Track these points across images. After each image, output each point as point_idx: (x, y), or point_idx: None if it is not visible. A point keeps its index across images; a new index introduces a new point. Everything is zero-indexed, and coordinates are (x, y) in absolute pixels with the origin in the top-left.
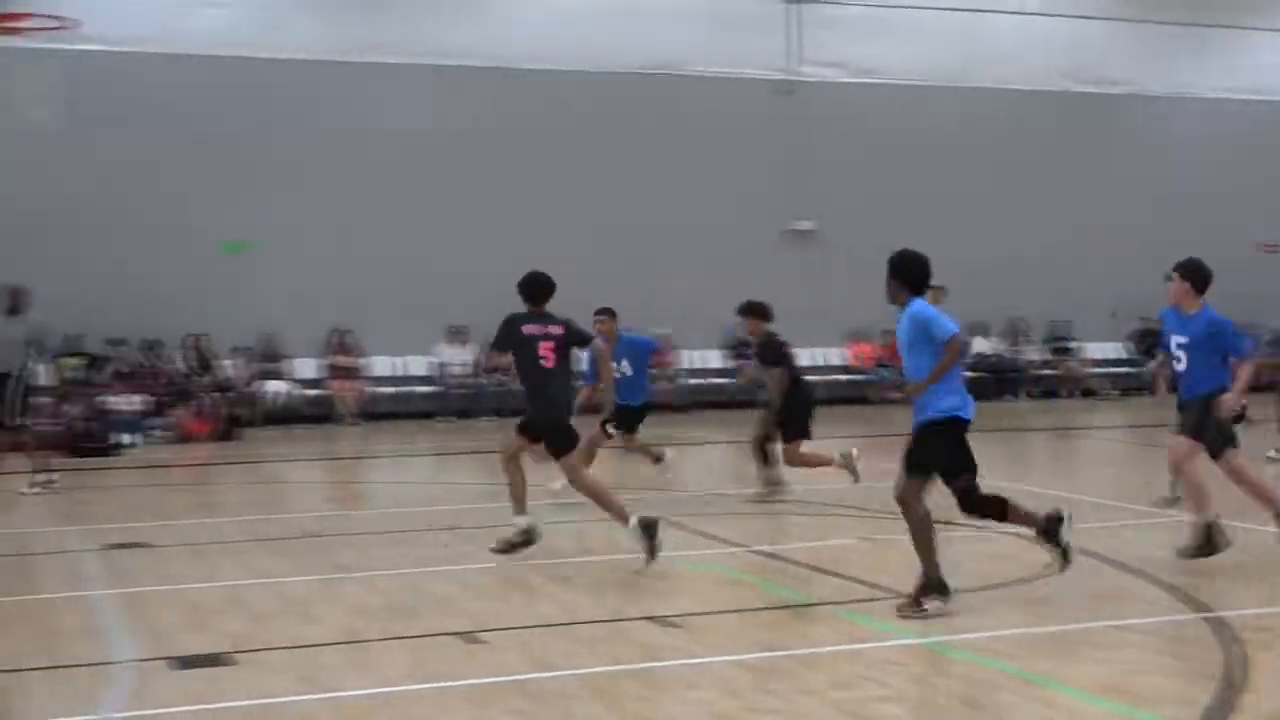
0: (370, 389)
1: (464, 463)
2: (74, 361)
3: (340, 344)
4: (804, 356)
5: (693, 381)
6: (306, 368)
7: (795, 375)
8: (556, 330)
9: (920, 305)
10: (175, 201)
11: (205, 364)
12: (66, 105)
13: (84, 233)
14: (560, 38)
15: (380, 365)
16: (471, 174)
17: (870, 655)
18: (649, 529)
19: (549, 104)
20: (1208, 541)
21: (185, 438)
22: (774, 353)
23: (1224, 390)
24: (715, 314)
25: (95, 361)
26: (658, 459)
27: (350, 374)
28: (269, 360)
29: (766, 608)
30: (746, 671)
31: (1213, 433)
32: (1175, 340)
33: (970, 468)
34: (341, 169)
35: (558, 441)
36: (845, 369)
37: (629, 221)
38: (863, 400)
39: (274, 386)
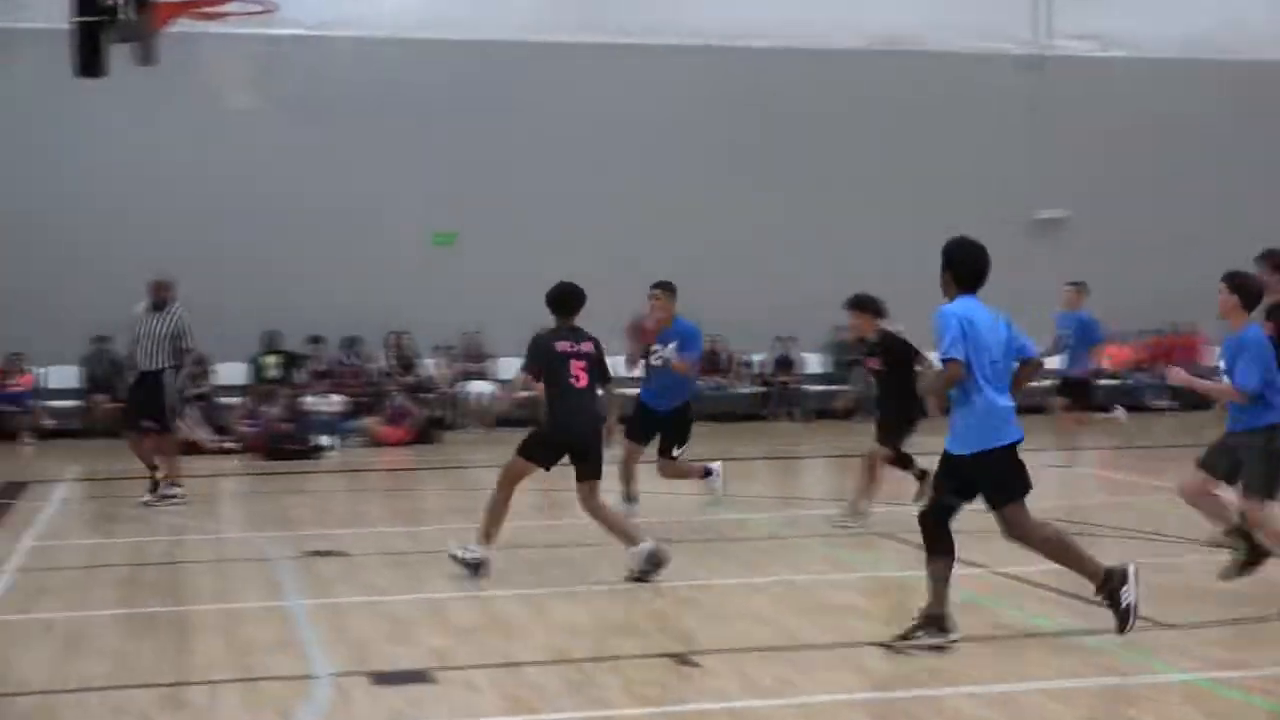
0: None
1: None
2: (272, 360)
3: None
4: (1054, 359)
5: None
6: (511, 368)
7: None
8: (588, 348)
9: (949, 309)
10: (376, 192)
11: (407, 363)
12: (265, 91)
13: (285, 224)
14: (782, 13)
15: None
16: (686, 161)
17: (1129, 691)
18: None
19: (770, 85)
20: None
21: (376, 442)
22: (904, 351)
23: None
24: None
25: (294, 360)
26: (705, 473)
27: None
28: (472, 360)
29: (1012, 635)
30: (988, 706)
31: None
32: (1222, 363)
33: (968, 496)
34: (547, 157)
35: (597, 467)
36: (1098, 373)
37: (858, 209)
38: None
39: (477, 387)
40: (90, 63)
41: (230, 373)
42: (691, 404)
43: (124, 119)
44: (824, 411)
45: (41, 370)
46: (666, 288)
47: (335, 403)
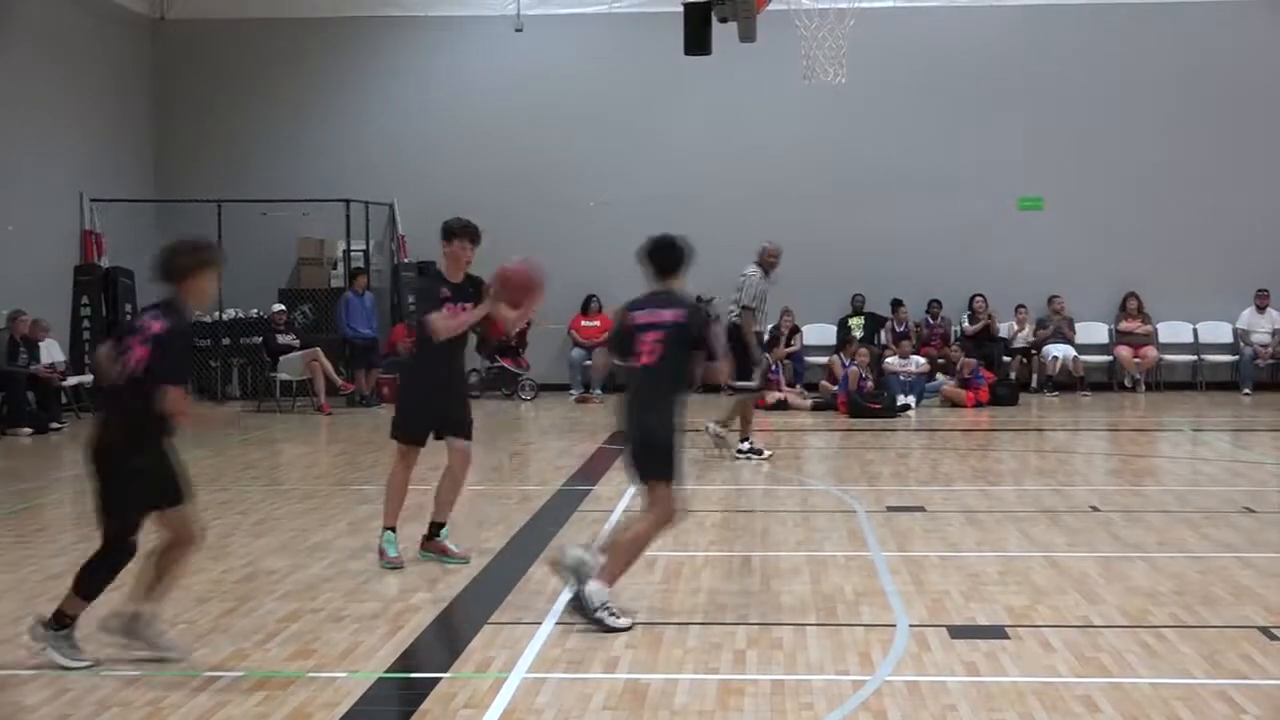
0: (1162, 356)
1: (1263, 439)
2: (857, 322)
3: (1131, 307)
4: None
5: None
6: (1091, 331)
7: None
8: (669, 316)
9: None
10: (960, 158)
11: (985, 326)
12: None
13: (874, 192)
14: None
15: (1172, 331)
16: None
17: None
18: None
19: None
20: None
21: (952, 404)
22: None
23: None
24: None
25: (877, 322)
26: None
27: (1139, 339)
28: (1050, 324)
29: None
30: None
31: None
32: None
33: None
34: (1125, 119)
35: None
36: None
37: None
38: None
39: (1056, 350)
40: (697, 41)
41: (817, 334)
42: None
43: (722, 94)
44: None
45: None
46: None
47: (916, 364)
